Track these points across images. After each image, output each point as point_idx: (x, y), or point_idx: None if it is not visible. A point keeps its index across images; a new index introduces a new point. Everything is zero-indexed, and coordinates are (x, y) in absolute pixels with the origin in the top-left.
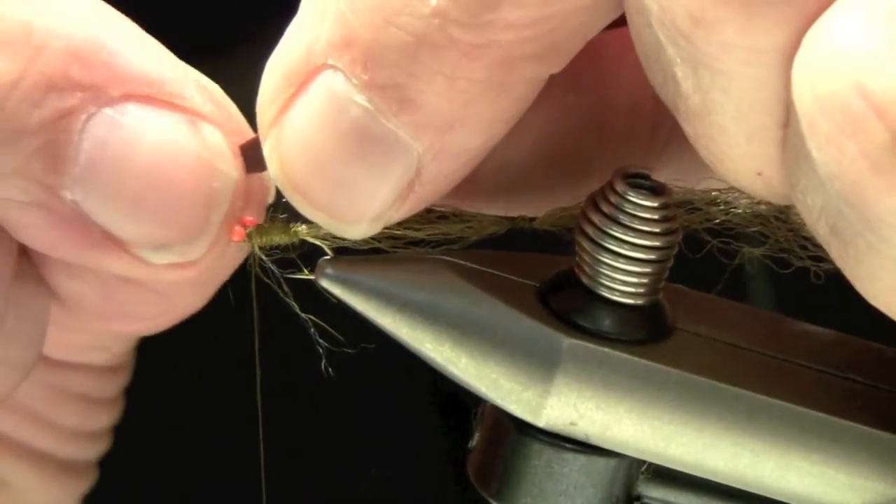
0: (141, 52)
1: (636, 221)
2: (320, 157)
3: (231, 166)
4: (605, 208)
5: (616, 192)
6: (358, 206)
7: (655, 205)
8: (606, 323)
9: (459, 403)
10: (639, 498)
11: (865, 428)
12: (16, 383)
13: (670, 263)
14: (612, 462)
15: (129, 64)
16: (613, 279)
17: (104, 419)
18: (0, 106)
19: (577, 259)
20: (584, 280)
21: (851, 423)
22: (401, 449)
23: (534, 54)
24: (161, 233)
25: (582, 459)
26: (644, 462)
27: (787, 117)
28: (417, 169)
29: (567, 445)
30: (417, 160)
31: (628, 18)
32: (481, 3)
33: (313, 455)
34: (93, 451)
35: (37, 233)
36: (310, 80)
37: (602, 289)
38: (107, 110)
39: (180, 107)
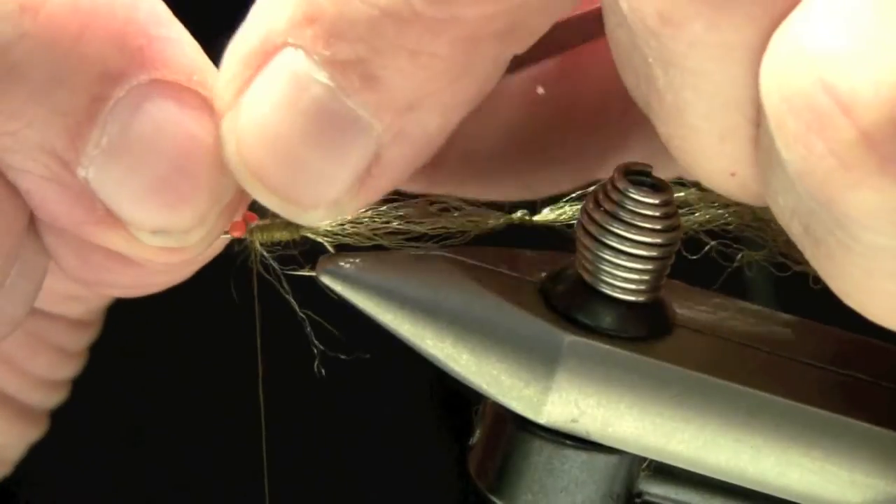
0: (172, 37)
1: (638, 218)
2: (278, 138)
3: (239, 161)
4: (607, 205)
5: (617, 189)
6: (315, 190)
7: (657, 202)
8: (607, 320)
9: (461, 400)
10: (639, 495)
11: (866, 425)
12: (3, 337)
13: (672, 260)
14: (613, 459)
15: (161, 49)
16: (615, 276)
17: (69, 371)
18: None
19: (579, 256)
20: (586, 277)
21: (852, 420)
22: (402, 445)
23: (497, 32)
24: (164, 219)
25: (583, 456)
26: (645, 459)
27: (759, 116)
28: (376, 152)
29: (568, 442)
30: (376, 141)
31: (604, 18)
32: None
33: (314, 451)
34: (52, 400)
35: (44, 204)
36: (268, 60)
37: (603, 285)
38: (134, 95)
39: (203, 97)
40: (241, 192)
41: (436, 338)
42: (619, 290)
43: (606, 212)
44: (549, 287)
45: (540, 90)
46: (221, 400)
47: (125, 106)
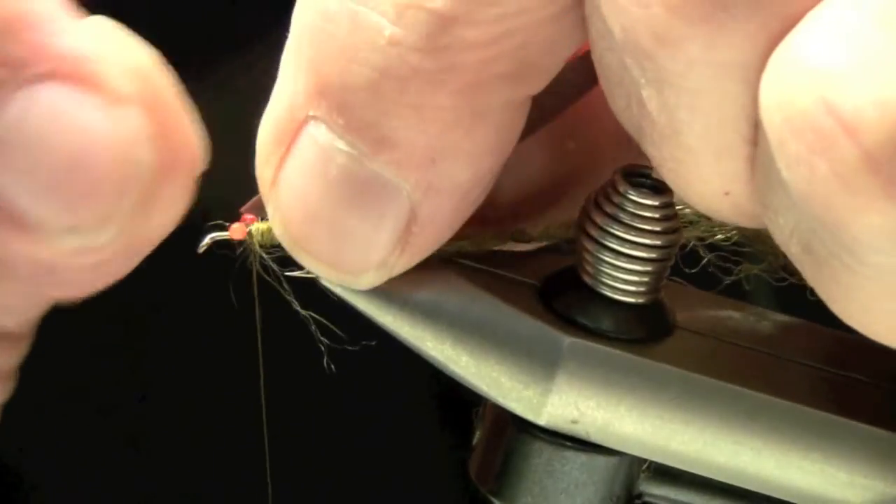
0: (69, 26)
1: (638, 220)
2: (315, 209)
3: (147, 152)
4: (607, 207)
5: (618, 191)
6: (360, 255)
7: (657, 203)
8: (607, 321)
9: (460, 401)
10: (640, 496)
11: (866, 426)
12: None
13: (672, 262)
14: (613, 460)
15: (56, 40)
16: (615, 278)
17: None
18: None
19: (579, 258)
20: (586, 279)
21: (852, 422)
22: (402, 446)
23: (503, 74)
24: (69, 217)
25: (583, 458)
26: (645, 460)
27: (756, 134)
28: (411, 209)
29: (568, 444)
30: (409, 199)
31: (590, 43)
32: (436, 26)
33: (315, 452)
34: None
35: None
36: (297, 135)
37: (603, 287)
38: (28, 87)
39: (102, 87)
40: (152, 191)
41: (435, 340)
42: (619, 292)
43: (606, 213)
44: (548, 289)
45: (571, 145)
46: (221, 400)
47: (18, 98)
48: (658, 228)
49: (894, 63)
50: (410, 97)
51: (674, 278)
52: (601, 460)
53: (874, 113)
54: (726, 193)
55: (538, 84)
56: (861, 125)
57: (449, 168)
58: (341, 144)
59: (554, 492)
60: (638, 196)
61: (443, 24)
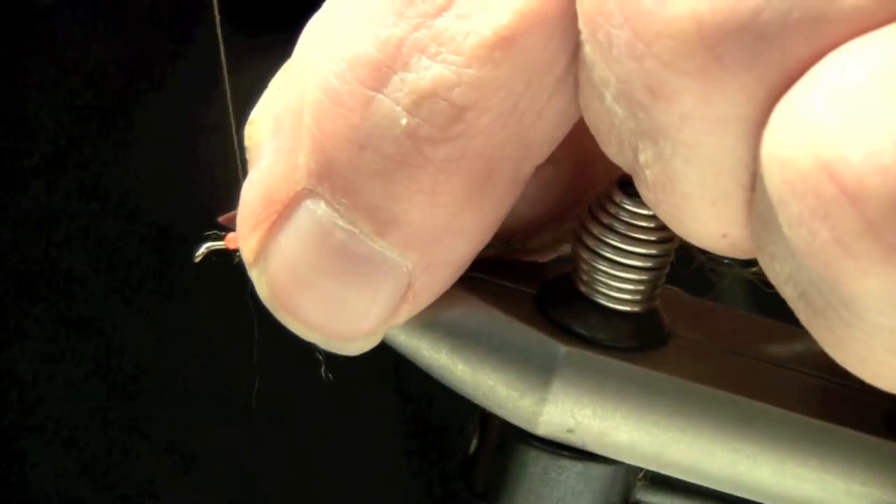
0: None
1: (633, 229)
2: (309, 281)
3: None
4: (602, 217)
5: (612, 201)
6: (351, 326)
7: (652, 212)
8: (603, 330)
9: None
10: None
11: (863, 434)
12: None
13: (667, 270)
14: (609, 469)
15: None
16: (610, 287)
17: None
18: None
19: (574, 266)
20: (581, 287)
21: (849, 430)
22: (368, 472)
23: (512, 156)
24: None
25: (579, 466)
26: (641, 469)
27: (754, 182)
28: (409, 283)
29: (564, 452)
30: (408, 275)
31: (579, 92)
32: (449, 114)
33: (315, 453)
34: None
35: None
36: (293, 205)
37: (599, 296)
38: None
39: None
40: None
41: (431, 349)
42: (614, 301)
43: (601, 223)
44: (544, 298)
45: (562, 170)
46: (221, 402)
47: None
48: (653, 238)
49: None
50: (423, 185)
51: (667, 286)
52: (597, 469)
53: (877, 181)
54: (724, 236)
55: (544, 155)
56: (863, 192)
57: (452, 244)
58: (342, 223)
59: (550, 500)
60: (633, 205)
61: (458, 113)
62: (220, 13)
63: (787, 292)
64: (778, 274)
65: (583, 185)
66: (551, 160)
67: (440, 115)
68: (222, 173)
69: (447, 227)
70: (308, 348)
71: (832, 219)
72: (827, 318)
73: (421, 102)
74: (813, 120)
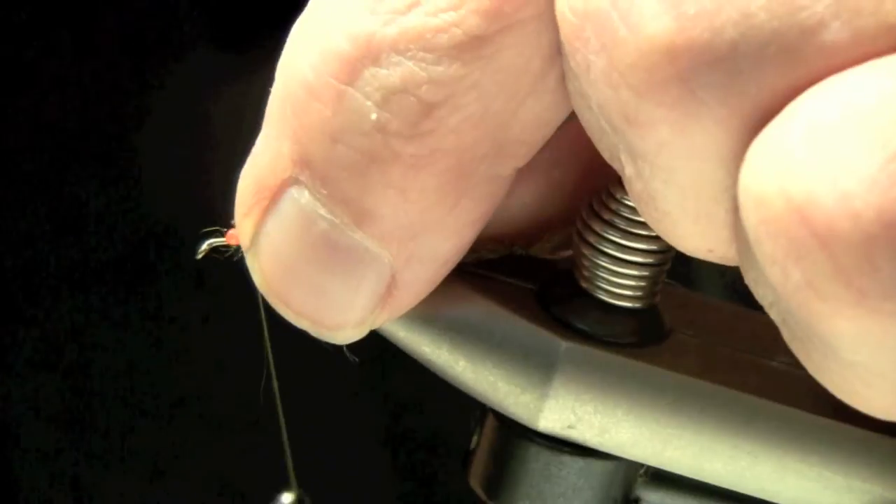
0: None
1: (633, 226)
2: (295, 268)
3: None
4: (603, 213)
5: (613, 197)
6: (338, 315)
7: None
8: (604, 326)
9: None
10: (637, 500)
11: (863, 431)
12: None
13: (668, 266)
14: (610, 465)
15: None
16: (611, 283)
17: None
18: None
19: (575, 263)
20: (582, 283)
21: (849, 426)
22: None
23: (485, 155)
24: None
25: (580, 462)
26: (642, 465)
27: (735, 204)
28: (392, 275)
29: (565, 448)
30: (389, 268)
31: (572, 101)
32: (419, 111)
33: (314, 454)
34: None
35: None
36: (280, 193)
37: (600, 292)
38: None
39: None
40: None
41: (432, 344)
42: (616, 297)
43: (603, 219)
44: (545, 293)
45: (557, 174)
46: (222, 404)
47: None
48: (654, 234)
49: (869, 172)
50: (394, 180)
51: (667, 280)
52: (598, 465)
53: (847, 224)
54: (710, 251)
55: (524, 157)
56: (833, 236)
57: (430, 241)
58: (323, 212)
59: (551, 496)
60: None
61: (427, 110)
62: (205, 35)
63: (772, 314)
64: (761, 298)
65: (588, 189)
66: (556, 163)
67: (409, 112)
68: (222, 173)
69: (423, 223)
70: (296, 353)
71: (804, 262)
72: (805, 347)
73: (390, 98)
74: (787, 159)
